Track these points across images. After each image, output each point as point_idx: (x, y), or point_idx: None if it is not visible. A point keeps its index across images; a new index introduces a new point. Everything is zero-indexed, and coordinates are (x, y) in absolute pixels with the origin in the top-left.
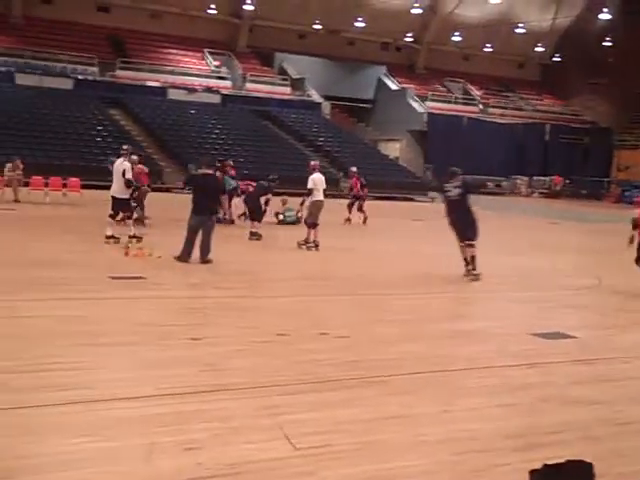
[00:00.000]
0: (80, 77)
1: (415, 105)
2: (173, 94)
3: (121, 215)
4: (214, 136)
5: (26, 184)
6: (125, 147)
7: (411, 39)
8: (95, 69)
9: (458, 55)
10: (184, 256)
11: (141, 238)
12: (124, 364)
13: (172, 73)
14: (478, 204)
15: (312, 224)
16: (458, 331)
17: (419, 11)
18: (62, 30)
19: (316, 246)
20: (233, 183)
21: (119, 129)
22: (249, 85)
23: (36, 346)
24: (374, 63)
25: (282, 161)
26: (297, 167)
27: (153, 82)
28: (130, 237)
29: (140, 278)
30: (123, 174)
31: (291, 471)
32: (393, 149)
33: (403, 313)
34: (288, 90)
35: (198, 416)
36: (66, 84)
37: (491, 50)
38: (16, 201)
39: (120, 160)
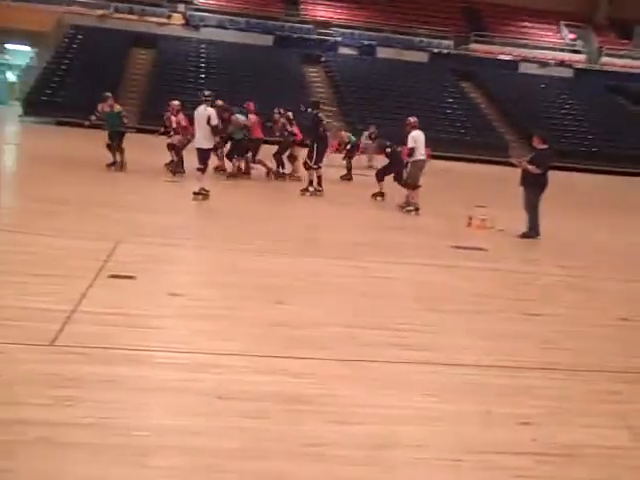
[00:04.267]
0: (435, 50)
1: None
2: (524, 68)
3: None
4: (563, 111)
5: None
6: (207, 93)
7: None
8: (450, 42)
9: None
10: (533, 233)
11: (208, 192)
12: (465, 332)
13: (525, 46)
14: None
15: (414, 185)
16: None
17: None
18: (421, 4)
19: (416, 209)
20: None
21: (468, 102)
22: (605, 59)
23: (388, 306)
24: None
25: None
26: None
27: (505, 55)
28: (195, 193)
29: (481, 250)
30: (208, 121)
31: (633, 464)
32: None
33: None
34: None
35: (534, 392)
36: (422, 57)
37: None
38: (370, 167)
39: (203, 107)
